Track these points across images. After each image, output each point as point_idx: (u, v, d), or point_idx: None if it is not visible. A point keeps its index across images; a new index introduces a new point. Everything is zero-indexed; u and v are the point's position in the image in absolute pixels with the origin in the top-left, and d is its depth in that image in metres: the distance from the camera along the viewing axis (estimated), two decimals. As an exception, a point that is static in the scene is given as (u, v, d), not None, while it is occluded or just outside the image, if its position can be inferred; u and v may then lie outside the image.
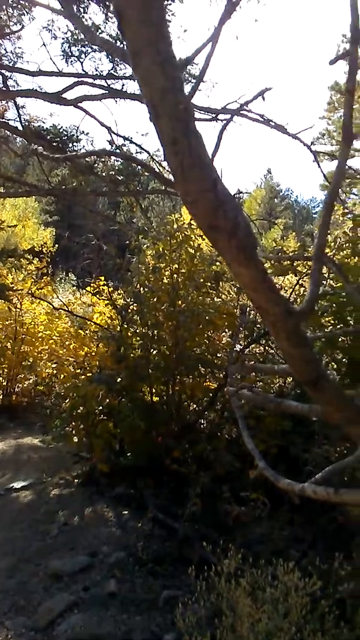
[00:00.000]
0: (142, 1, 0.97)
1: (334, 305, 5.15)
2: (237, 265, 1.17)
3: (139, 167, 8.80)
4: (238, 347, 6.44)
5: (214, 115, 7.36)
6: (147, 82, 1.03)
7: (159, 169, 8.90)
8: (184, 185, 1.10)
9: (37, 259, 11.57)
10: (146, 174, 9.21)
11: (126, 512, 5.20)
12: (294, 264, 5.97)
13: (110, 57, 8.42)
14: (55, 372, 8.67)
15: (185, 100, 1.02)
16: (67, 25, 8.68)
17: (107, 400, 5.92)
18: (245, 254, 1.15)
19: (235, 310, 6.38)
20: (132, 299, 6.49)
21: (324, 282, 5.63)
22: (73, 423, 6.05)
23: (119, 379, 5.86)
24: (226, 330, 6.71)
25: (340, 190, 10.10)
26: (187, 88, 8.54)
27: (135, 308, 6.45)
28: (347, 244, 5.55)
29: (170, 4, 7.65)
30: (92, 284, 8.51)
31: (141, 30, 0.99)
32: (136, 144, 9.30)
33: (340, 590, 2.89)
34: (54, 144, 9.58)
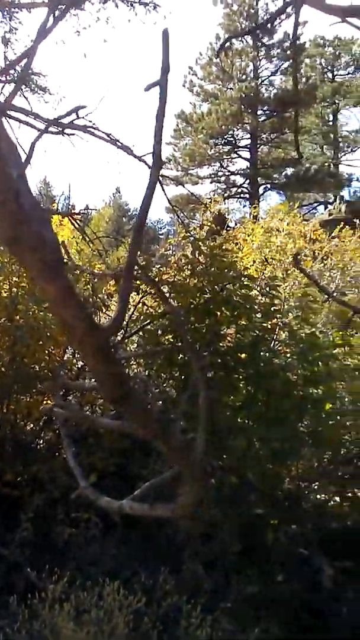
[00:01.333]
0: None
1: (173, 323, 5.33)
2: (42, 280, 1.15)
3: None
4: (81, 364, 6.36)
5: (60, 129, 7.27)
6: None
7: None
8: (-17, 195, 1.04)
9: None
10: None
11: None
12: (137, 282, 6.08)
13: None
14: None
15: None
16: None
17: None
18: (51, 270, 1.13)
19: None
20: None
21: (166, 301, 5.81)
22: None
23: None
24: (68, 347, 6.59)
25: (183, 214, 10.50)
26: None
27: (-33, 323, 6.07)
28: (187, 266, 5.79)
29: (17, 12, 7.48)
30: None
31: None
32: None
33: (164, 605, 2.94)
34: None
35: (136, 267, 3.39)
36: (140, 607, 2.81)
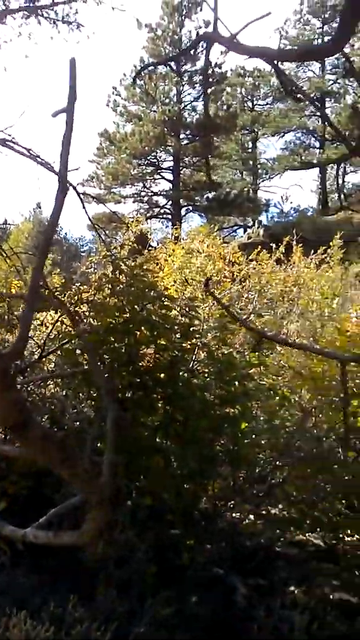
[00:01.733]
0: None
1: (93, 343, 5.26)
2: None
3: None
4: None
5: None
6: None
7: None
8: None
9: None
10: None
11: None
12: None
13: None
14: None
15: None
16: None
17: None
18: None
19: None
20: None
21: (85, 320, 5.72)
22: None
23: None
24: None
25: (105, 233, 10.48)
26: None
27: None
28: (107, 285, 5.75)
29: None
30: None
31: None
32: None
33: (74, 633, 2.86)
34: None
35: (48, 290, 3.34)
36: (49, 636, 2.70)
